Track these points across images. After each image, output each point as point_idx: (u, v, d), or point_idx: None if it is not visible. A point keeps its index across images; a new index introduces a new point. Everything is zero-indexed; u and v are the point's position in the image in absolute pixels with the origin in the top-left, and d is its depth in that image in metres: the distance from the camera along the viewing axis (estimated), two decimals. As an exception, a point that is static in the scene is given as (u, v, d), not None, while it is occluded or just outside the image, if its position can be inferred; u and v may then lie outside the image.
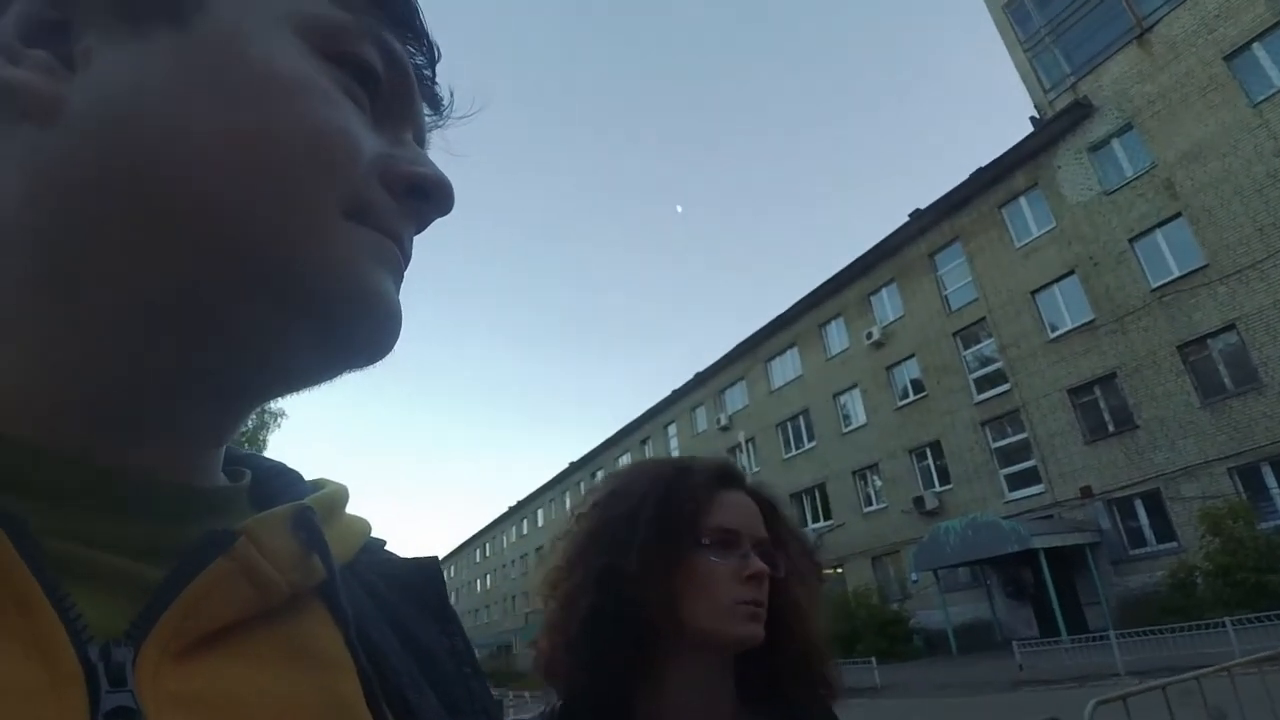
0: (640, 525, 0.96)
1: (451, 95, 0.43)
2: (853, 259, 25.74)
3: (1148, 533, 17.32)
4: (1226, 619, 11.42)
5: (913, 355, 23.64)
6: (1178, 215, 17.10)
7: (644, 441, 38.17)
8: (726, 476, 1.09)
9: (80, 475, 0.29)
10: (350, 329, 0.33)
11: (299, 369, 0.35)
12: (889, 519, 23.75)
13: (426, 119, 0.42)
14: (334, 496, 0.40)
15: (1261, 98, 15.81)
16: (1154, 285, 17.46)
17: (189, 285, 0.30)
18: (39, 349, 0.29)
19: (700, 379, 34.01)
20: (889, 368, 24.45)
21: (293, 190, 0.31)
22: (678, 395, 35.64)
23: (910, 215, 23.76)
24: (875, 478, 24.75)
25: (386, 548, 0.46)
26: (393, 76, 0.38)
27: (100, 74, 0.31)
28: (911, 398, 23.64)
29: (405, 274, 0.37)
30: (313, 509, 0.34)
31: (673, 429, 36.10)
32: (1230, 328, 16.03)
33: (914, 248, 23.95)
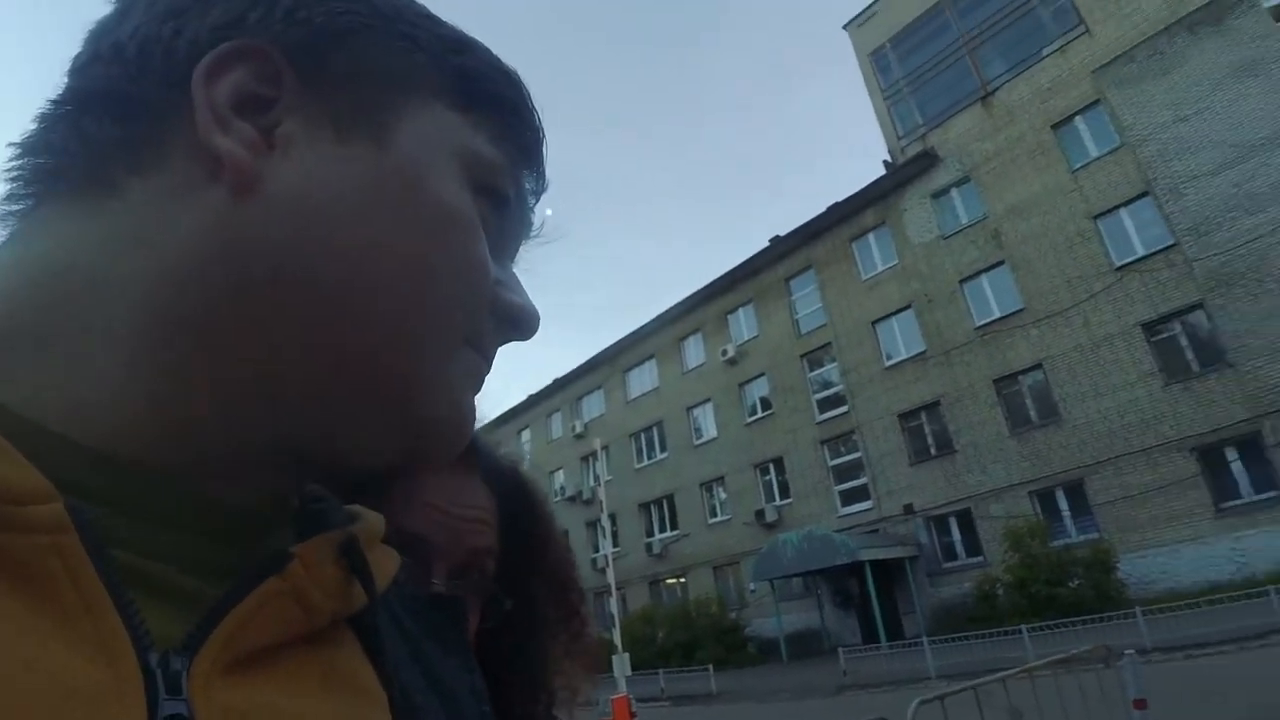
0: None
1: (543, 223, 0.46)
2: (714, 278, 26.60)
3: (959, 548, 19.03)
4: (1023, 626, 12.70)
5: (763, 374, 24.69)
6: (1001, 263, 19.07)
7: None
8: None
9: (146, 488, 0.30)
10: (435, 446, 0.36)
11: (374, 464, 0.36)
12: (732, 530, 24.55)
13: None
14: (374, 526, 0.39)
15: (1079, 165, 17.99)
16: (978, 324, 19.31)
17: (322, 382, 0.32)
18: (154, 389, 0.30)
19: (558, 384, 33.81)
20: (741, 385, 25.39)
21: (441, 319, 0.34)
22: (534, 400, 35.20)
23: (770, 241, 24.91)
24: (721, 490, 25.54)
25: (410, 581, 0.46)
26: (517, 213, 0.42)
27: (300, 165, 0.33)
28: (760, 414, 24.66)
29: None
30: (359, 538, 0.35)
31: (526, 434, 35.57)
32: (1038, 366, 18.00)
33: (772, 272, 25.10)
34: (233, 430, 0.31)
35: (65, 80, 0.34)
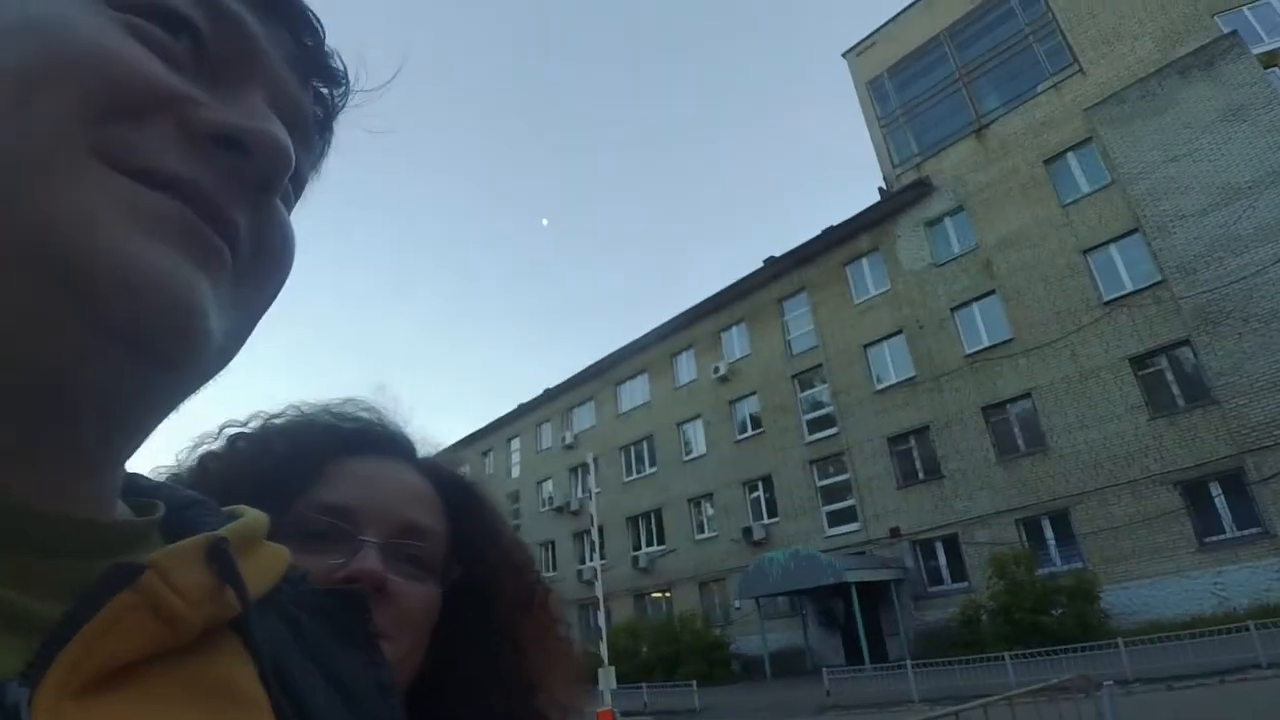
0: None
1: (354, 67, 0.40)
2: (708, 295, 26.84)
3: (944, 572, 19.21)
4: (1006, 654, 12.85)
5: (754, 393, 24.92)
6: (992, 293, 19.40)
7: (485, 453, 37.30)
8: (366, 438, 0.74)
9: None
10: (126, 302, 0.27)
11: (78, 362, 0.27)
12: (718, 547, 24.67)
13: (325, 94, 0.41)
14: (251, 526, 0.38)
15: (1070, 200, 18.38)
16: (967, 351, 19.60)
17: None
18: None
19: (550, 395, 33.86)
20: (731, 402, 25.60)
21: (49, 133, 0.27)
22: (525, 409, 35.20)
23: (765, 261, 25.19)
24: (709, 506, 25.68)
25: (308, 578, 0.44)
26: (221, 32, 0.34)
27: None
28: (749, 433, 24.86)
29: (250, 261, 0.33)
30: (227, 540, 0.33)
31: (516, 443, 35.58)
32: (1027, 396, 18.28)
33: (765, 292, 25.38)
34: None
35: None
